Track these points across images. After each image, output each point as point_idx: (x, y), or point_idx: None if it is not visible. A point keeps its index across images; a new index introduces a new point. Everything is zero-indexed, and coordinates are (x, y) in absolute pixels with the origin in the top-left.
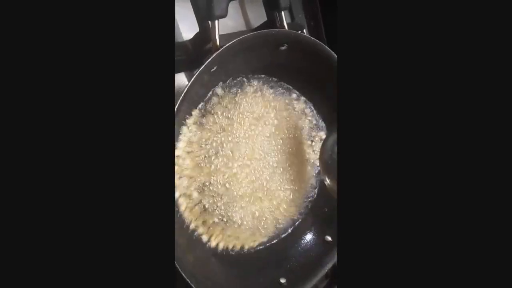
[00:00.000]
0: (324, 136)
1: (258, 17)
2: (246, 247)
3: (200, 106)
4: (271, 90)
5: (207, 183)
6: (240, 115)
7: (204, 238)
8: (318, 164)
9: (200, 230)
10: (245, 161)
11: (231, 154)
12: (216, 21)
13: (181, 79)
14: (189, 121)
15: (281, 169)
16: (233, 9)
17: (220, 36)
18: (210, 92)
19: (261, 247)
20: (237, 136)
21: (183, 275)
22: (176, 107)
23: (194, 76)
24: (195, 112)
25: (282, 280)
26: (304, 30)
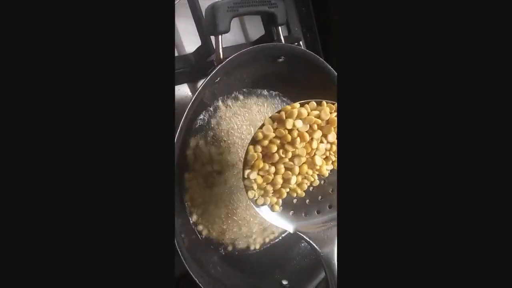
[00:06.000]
0: None
1: (257, 30)
2: (252, 247)
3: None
4: (268, 100)
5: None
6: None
7: (210, 237)
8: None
9: (205, 230)
10: None
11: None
12: (220, 36)
13: (184, 90)
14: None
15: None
16: (233, 23)
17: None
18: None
19: (264, 247)
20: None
21: (191, 274)
22: (185, 115)
23: (201, 86)
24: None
25: (284, 282)
26: (301, 42)
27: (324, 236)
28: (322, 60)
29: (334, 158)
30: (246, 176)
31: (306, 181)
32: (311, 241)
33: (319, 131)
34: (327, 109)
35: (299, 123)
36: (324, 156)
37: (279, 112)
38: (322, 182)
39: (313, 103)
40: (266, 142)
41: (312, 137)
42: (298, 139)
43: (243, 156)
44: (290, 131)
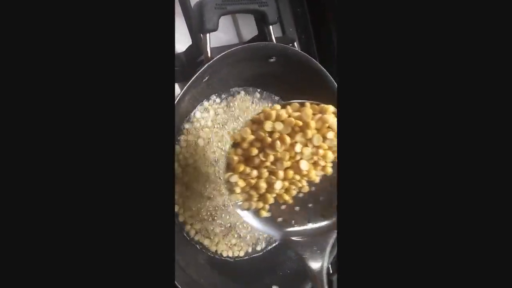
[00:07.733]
0: None
1: (250, 30)
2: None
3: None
4: (258, 98)
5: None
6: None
7: (203, 242)
8: None
9: (197, 236)
10: None
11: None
12: (208, 34)
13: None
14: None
15: None
16: (226, 23)
17: (213, 48)
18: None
19: (255, 254)
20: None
21: (176, 283)
22: None
23: (188, 84)
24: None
25: (275, 287)
26: (296, 43)
27: (313, 246)
28: (315, 61)
29: (323, 163)
30: (226, 179)
31: (293, 187)
32: (298, 251)
33: (301, 133)
34: (310, 111)
35: (279, 126)
36: (312, 161)
37: (259, 114)
38: (313, 188)
39: (296, 104)
40: (246, 145)
41: (295, 140)
42: (278, 142)
43: None
44: (270, 133)
